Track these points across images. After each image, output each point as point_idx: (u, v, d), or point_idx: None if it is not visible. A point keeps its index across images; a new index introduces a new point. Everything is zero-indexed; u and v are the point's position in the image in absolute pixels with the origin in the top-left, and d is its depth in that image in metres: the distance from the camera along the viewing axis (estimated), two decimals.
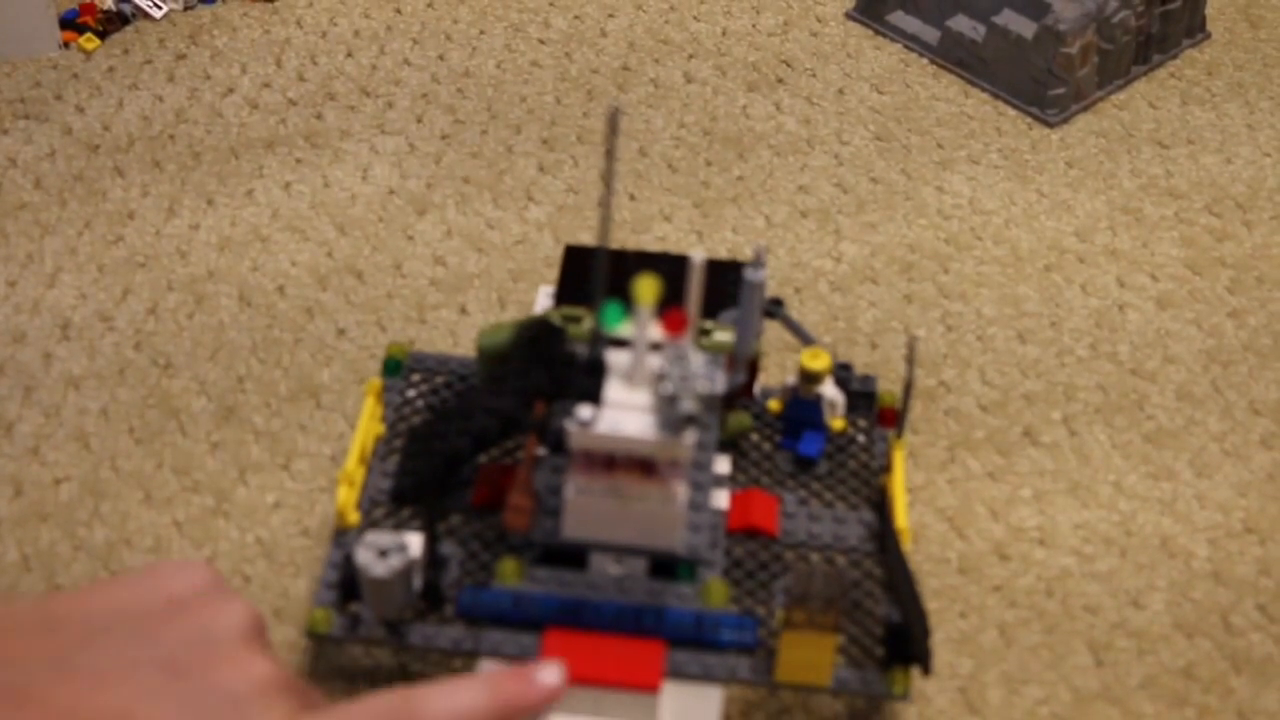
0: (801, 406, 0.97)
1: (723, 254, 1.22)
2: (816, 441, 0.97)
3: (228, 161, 1.30)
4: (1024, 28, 1.37)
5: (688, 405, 0.76)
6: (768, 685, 0.85)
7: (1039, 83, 1.36)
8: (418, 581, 0.88)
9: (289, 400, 1.09)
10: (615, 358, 0.81)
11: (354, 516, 0.92)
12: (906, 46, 1.45)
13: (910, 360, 0.91)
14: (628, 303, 0.79)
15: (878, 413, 1.00)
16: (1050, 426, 1.10)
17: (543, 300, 0.99)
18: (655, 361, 0.79)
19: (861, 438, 0.99)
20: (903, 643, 0.87)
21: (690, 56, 1.44)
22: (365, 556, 0.85)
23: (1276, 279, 1.23)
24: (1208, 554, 1.02)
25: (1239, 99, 1.42)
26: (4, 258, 1.20)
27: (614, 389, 0.80)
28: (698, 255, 0.79)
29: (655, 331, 0.79)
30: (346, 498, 0.92)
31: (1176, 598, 0.99)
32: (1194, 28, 1.47)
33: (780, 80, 1.41)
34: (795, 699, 0.91)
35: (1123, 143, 1.36)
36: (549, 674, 0.77)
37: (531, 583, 0.86)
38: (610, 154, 0.78)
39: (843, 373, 1.00)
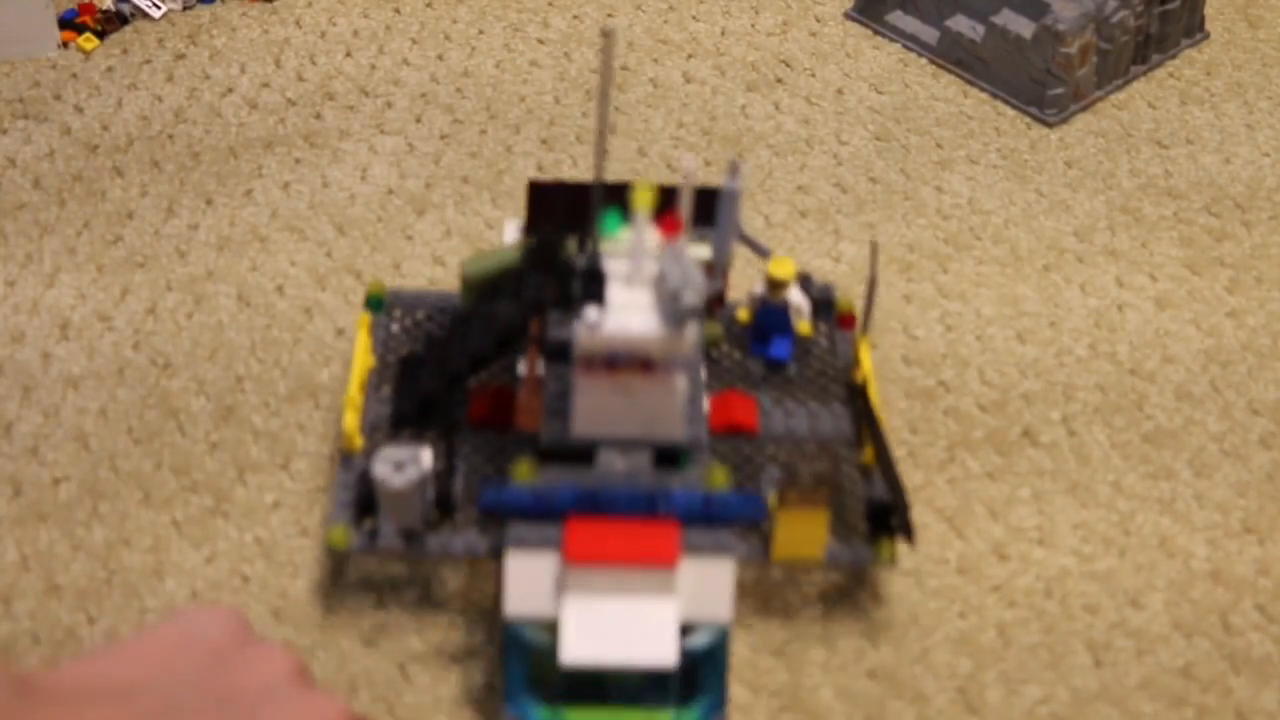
0: (770, 313, 1.03)
1: None
2: (785, 345, 1.03)
3: (226, 161, 1.30)
4: (1023, 28, 1.37)
5: (691, 297, 0.81)
6: (765, 562, 0.93)
7: (1038, 83, 1.36)
8: (431, 492, 0.91)
9: (288, 400, 1.09)
10: (611, 265, 0.86)
11: (360, 440, 0.95)
12: (905, 46, 1.45)
13: (873, 260, 0.97)
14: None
15: (837, 317, 1.07)
16: (1049, 426, 1.10)
17: (511, 232, 1.03)
18: (651, 265, 0.84)
19: (824, 341, 1.06)
20: (886, 515, 0.93)
21: (689, 56, 1.44)
22: (383, 470, 0.88)
23: (1275, 279, 1.23)
24: (1206, 554, 1.02)
25: (1238, 99, 1.42)
26: (3, 257, 1.20)
27: (615, 292, 0.85)
28: (689, 160, 0.84)
29: (652, 235, 0.84)
30: (353, 422, 0.95)
31: (1175, 597, 1.00)
32: (1193, 28, 1.47)
33: (779, 80, 1.41)
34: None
35: (1121, 143, 1.36)
36: None
37: (545, 480, 0.89)
38: (605, 77, 0.83)
39: (804, 281, 1.07)
